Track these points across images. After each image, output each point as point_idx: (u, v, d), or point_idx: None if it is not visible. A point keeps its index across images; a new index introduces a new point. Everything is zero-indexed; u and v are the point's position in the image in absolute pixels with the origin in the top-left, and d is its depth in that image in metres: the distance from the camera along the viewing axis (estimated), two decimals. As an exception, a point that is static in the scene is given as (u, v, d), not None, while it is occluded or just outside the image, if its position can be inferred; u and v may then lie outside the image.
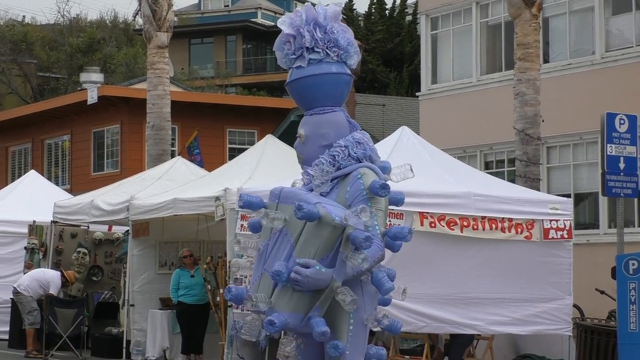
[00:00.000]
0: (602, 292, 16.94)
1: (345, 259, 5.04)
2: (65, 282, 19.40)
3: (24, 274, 20.16)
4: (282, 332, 5.28)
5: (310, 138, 5.59)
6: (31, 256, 21.31)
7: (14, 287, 19.18)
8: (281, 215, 4.97)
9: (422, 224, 13.94)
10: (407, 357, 15.00)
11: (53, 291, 18.81)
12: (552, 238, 15.48)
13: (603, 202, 20.07)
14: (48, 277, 19.24)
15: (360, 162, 5.59)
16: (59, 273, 19.38)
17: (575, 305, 16.43)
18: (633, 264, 12.26)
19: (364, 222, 5.10)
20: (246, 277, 16.30)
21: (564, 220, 15.62)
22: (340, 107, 5.79)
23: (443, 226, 14.59)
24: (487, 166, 23.08)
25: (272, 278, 4.87)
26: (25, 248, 21.61)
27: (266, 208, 5.20)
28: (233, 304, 16.32)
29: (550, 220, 15.52)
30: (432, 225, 14.35)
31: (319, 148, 5.58)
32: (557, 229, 15.52)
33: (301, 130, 5.62)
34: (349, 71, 5.80)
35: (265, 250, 5.02)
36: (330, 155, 5.53)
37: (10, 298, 20.47)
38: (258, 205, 5.20)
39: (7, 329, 21.03)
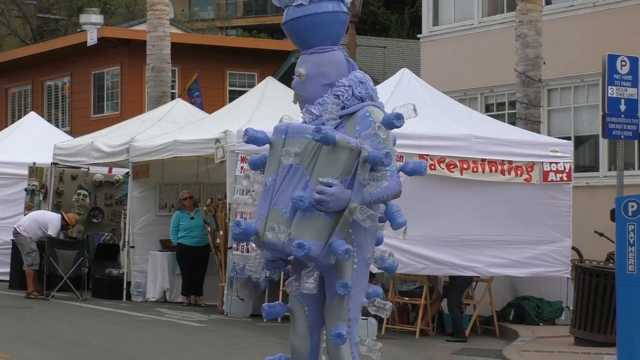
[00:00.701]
0: (601, 235, 16.95)
1: (363, 181, 5.01)
2: (65, 225, 19.42)
3: (24, 215, 20.18)
4: (283, 272, 5.27)
5: (311, 77, 5.53)
6: (31, 198, 21.34)
7: (14, 228, 19.21)
8: (292, 151, 4.91)
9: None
10: (406, 298, 15.06)
11: (52, 232, 18.82)
12: (552, 181, 15.49)
13: (603, 144, 20.03)
14: (47, 218, 19.26)
15: (363, 101, 5.56)
16: (59, 215, 19.40)
17: (574, 248, 16.47)
18: (632, 206, 12.22)
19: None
20: (247, 213, 16.33)
21: (563, 162, 15.62)
22: (337, 46, 5.75)
23: (443, 168, 14.60)
24: (487, 109, 23.00)
25: (295, 204, 4.81)
26: (25, 190, 21.64)
27: (271, 144, 5.14)
28: (233, 245, 16.41)
29: (550, 163, 15.52)
30: (432, 167, 14.35)
31: (321, 87, 5.53)
32: (557, 172, 15.52)
33: (301, 69, 5.56)
34: (345, 9, 5.73)
35: (272, 186, 4.96)
36: (335, 95, 5.49)
37: (11, 239, 20.51)
38: (263, 140, 5.14)
39: (8, 270, 21.12)
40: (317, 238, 4.84)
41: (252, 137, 5.07)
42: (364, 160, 5.07)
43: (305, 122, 5.33)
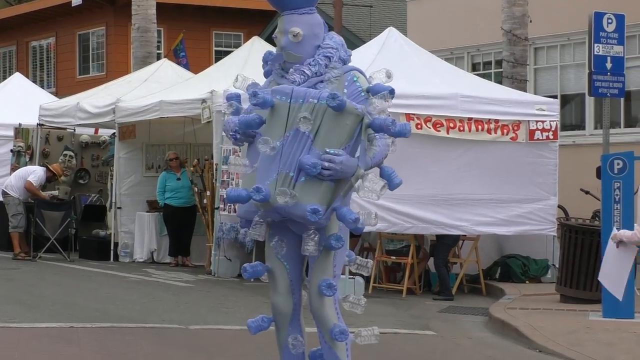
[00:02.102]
0: (587, 193, 17.02)
1: (367, 147, 5.00)
2: (52, 177, 19.38)
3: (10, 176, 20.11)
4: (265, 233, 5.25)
5: (307, 38, 5.46)
6: (17, 159, 21.27)
7: (3, 189, 19.16)
8: (310, 117, 4.87)
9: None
10: (393, 257, 15.11)
11: (32, 179, 18.70)
12: (538, 139, 15.50)
13: (589, 103, 20.03)
14: (30, 169, 19.24)
15: (345, 64, 5.54)
16: (43, 168, 19.36)
17: (560, 206, 16.53)
18: (618, 164, 12.26)
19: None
20: (233, 179, 16.33)
21: (550, 121, 15.63)
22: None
23: (429, 128, 14.60)
24: (474, 67, 22.96)
25: (308, 171, 4.78)
26: (11, 151, 21.57)
27: (273, 106, 5.06)
28: (221, 205, 16.43)
29: (537, 122, 15.53)
30: (419, 126, 14.35)
31: (313, 48, 5.47)
32: (543, 130, 15.53)
33: (296, 29, 5.45)
34: None
35: (280, 150, 4.90)
36: (325, 56, 5.44)
37: (-1, 200, 20.48)
38: (271, 103, 5.05)
39: (-5, 231, 21.10)
40: (321, 202, 4.84)
41: (262, 100, 4.93)
42: (366, 126, 5.06)
43: (297, 83, 5.26)
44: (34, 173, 19.00)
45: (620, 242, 8.76)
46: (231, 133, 5.01)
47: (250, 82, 5.39)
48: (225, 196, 16.53)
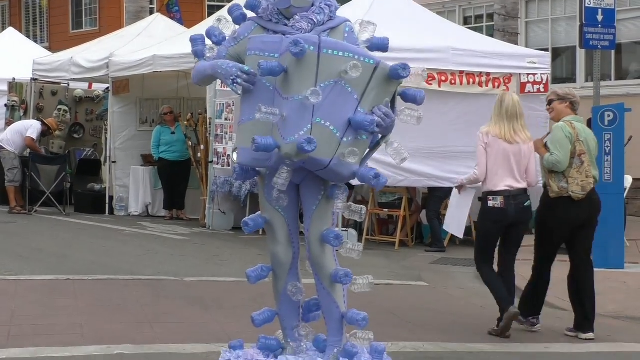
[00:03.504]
0: (578, 145, 17.03)
1: (399, 113, 4.99)
2: (47, 131, 19.35)
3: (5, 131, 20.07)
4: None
5: None
6: (12, 113, 21.23)
7: (-2, 144, 19.12)
8: (359, 65, 4.80)
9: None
10: (386, 210, 15.16)
11: (31, 134, 18.72)
12: (529, 92, 15.50)
13: (580, 55, 20.02)
14: (27, 124, 19.22)
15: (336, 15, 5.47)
16: (39, 122, 19.34)
17: (551, 158, 16.54)
18: (609, 116, 12.30)
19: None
20: (227, 133, 16.32)
21: (541, 74, 15.62)
22: None
23: (423, 81, 14.56)
24: (466, 21, 22.89)
25: (366, 128, 4.72)
26: (5, 105, 21.52)
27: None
28: (214, 159, 16.43)
29: (528, 74, 15.53)
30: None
31: None
32: (534, 83, 15.54)
33: None
34: None
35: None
36: (326, 5, 5.33)
37: (-7, 156, 20.46)
38: (305, 52, 4.89)
39: (-10, 186, 21.10)
40: (359, 161, 4.83)
41: (302, 50, 4.76)
42: (398, 94, 5.04)
43: (304, 31, 5.16)
44: (32, 127, 18.96)
45: (461, 188, 9.10)
46: (231, 79, 4.93)
47: (230, 25, 5.28)
48: (224, 149, 16.56)
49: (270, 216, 5.04)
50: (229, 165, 16.14)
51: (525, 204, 8.80)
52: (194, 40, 5.36)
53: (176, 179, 18.22)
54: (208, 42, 5.42)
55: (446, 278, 12.17)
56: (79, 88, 21.85)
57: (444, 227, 9.96)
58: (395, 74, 4.84)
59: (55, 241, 14.52)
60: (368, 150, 4.99)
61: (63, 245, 14.01)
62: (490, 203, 8.67)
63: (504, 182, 8.68)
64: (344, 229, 14.21)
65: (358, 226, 14.99)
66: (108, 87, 19.65)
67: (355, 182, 5.47)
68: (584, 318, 8.70)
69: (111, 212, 19.01)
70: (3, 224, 16.80)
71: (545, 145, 8.83)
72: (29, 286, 10.43)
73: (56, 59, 21.07)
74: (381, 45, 5.19)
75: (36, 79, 21.06)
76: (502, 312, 8.52)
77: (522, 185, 8.76)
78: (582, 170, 8.59)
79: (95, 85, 21.79)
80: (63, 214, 18.59)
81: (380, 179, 4.85)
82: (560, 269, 12.25)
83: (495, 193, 8.65)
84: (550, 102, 9.08)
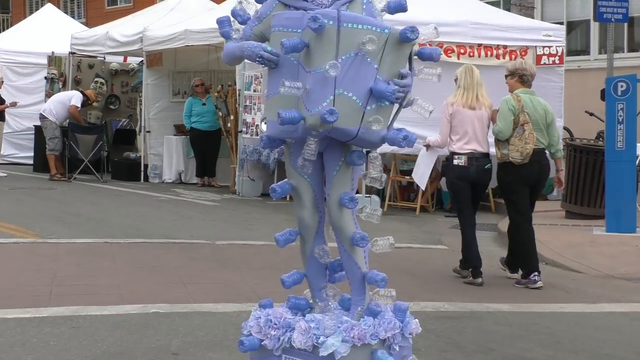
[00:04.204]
0: (591, 114, 16.92)
1: (418, 73, 4.95)
2: (86, 101, 19.43)
3: (45, 102, 20.15)
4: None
5: None
6: (51, 85, 21.31)
7: (40, 113, 19.17)
8: (375, 38, 4.77)
9: (419, 45, 13.83)
10: (407, 177, 15.12)
11: (75, 102, 18.81)
12: (545, 64, 15.41)
13: (594, 28, 19.84)
14: (69, 94, 19.31)
15: None
16: (78, 92, 19.41)
17: (565, 127, 16.47)
18: (622, 86, 12.21)
19: None
20: (255, 104, 16.31)
21: (556, 46, 15.52)
22: None
23: (441, 54, 14.49)
24: (484, -4, 22.71)
25: (388, 97, 4.69)
26: (45, 78, 21.60)
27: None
28: (244, 129, 16.43)
29: (543, 47, 15.43)
30: (430, 45, 14.23)
31: None
32: (550, 55, 15.44)
33: None
34: None
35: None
36: None
37: (34, 125, 20.56)
38: (324, 27, 4.88)
39: (32, 154, 21.22)
40: (385, 126, 4.82)
41: (322, 25, 4.75)
42: (414, 54, 5.01)
43: (325, 6, 5.11)
44: (75, 97, 19.02)
45: (428, 146, 10.03)
46: (258, 59, 4.92)
47: (253, 6, 5.26)
48: (255, 120, 16.56)
49: (296, 183, 5.03)
50: (257, 135, 16.14)
51: (486, 167, 9.34)
52: (220, 22, 5.34)
53: (207, 148, 18.26)
54: (235, 23, 5.39)
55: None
56: (115, 61, 21.88)
57: (412, 175, 11.23)
58: (405, 37, 4.81)
59: (93, 207, 14.60)
60: (393, 114, 4.97)
61: (101, 211, 14.08)
62: (455, 161, 9.29)
63: (469, 146, 9.30)
64: (367, 195, 14.20)
65: (381, 193, 14.99)
66: (142, 61, 19.67)
67: (384, 148, 5.42)
68: (514, 262, 9.44)
69: (146, 179, 19.09)
70: (44, 190, 16.90)
71: None
72: (69, 249, 10.50)
73: (93, 33, 21.10)
74: (399, 6, 5.13)
75: (74, 53, 21.11)
76: (461, 262, 9.43)
77: (485, 149, 9.29)
78: (523, 137, 9.00)
79: (130, 59, 21.81)
80: (100, 181, 18.67)
81: (409, 139, 4.82)
82: (580, 232, 12.25)
83: (460, 154, 9.28)
84: (505, 77, 9.64)
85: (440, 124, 9.49)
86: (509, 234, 9.64)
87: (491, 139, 9.33)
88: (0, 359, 5.99)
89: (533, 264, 9.18)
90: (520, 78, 9.42)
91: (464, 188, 9.29)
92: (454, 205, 9.78)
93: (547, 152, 9.36)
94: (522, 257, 9.30)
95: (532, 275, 9.11)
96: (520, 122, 9.05)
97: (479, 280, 9.15)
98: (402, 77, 4.85)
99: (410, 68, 4.95)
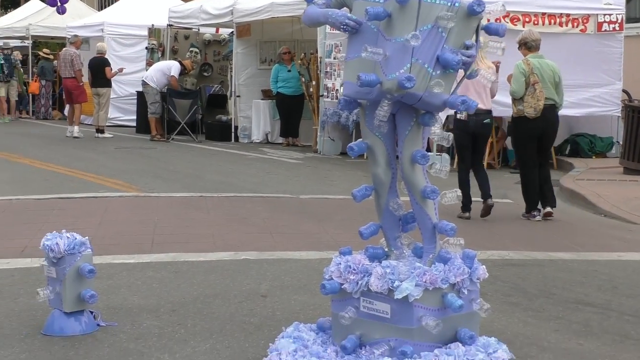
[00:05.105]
0: (649, 78, 16.59)
1: (484, 46, 4.91)
2: (183, 70, 19.62)
3: (146, 70, 20.36)
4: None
5: None
6: (151, 55, 21.51)
7: (142, 80, 19.43)
8: (454, 16, 4.74)
9: (487, 21, 13.64)
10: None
11: (174, 73, 19.04)
12: (605, 31, 15.10)
13: (653, -3, 19.36)
14: (169, 64, 19.51)
15: None
16: (176, 62, 19.61)
17: (624, 90, 16.13)
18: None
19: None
20: (335, 70, 16.28)
21: (616, 14, 15.17)
22: None
23: (507, 22, 14.27)
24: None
25: (453, 66, 4.66)
26: (146, 48, 21.80)
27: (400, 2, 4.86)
28: (324, 93, 16.43)
29: (604, 15, 15.10)
30: (498, 21, 14.02)
31: None
32: (610, 22, 15.12)
33: None
34: None
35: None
36: None
37: (136, 91, 20.81)
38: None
39: (134, 117, 21.49)
40: (447, 91, 4.79)
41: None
42: (481, 28, 4.95)
43: None
44: (174, 67, 19.22)
45: None
46: (342, 26, 4.90)
47: None
48: (334, 84, 16.54)
49: (371, 142, 5.01)
50: (337, 99, 16.13)
51: (485, 121, 9.92)
52: None
53: (291, 111, 18.30)
54: None
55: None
56: (208, 32, 21.99)
57: None
58: (472, 10, 4.75)
59: (189, 164, 14.76)
60: (456, 82, 4.92)
61: (196, 168, 14.23)
62: (458, 115, 9.92)
63: None
64: (438, 153, 14.11)
65: (450, 151, 14.87)
66: (232, 32, 19.74)
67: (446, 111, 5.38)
68: (545, 200, 9.97)
69: (236, 139, 19.22)
70: (145, 150, 17.14)
71: None
72: (168, 202, 10.65)
73: (188, 7, 21.22)
74: (470, 11, 5.05)
75: (171, 25, 21.27)
76: (462, 206, 9.88)
77: (486, 107, 9.79)
78: (535, 95, 9.77)
79: (221, 30, 21.91)
80: (195, 141, 18.86)
81: (468, 103, 4.78)
82: (637, 187, 12.03)
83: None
84: (518, 49, 10.27)
85: None
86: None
87: (509, 100, 10.22)
88: (109, 299, 6.12)
89: (533, 204, 9.96)
90: (526, 45, 10.13)
91: (463, 138, 9.91)
92: (458, 154, 10.32)
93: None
94: (526, 197, 10.07)
95: (533, 211, 9.94)
96: (531, 82, 9.79)
97: (467, 214, 9.88)
98: (467, 48, 4.80)
99: (477, 40, 4.89)
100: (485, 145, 10.62)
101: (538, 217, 9.88)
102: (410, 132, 4.91)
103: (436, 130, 5.03)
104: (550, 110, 9.88)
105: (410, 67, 4.63)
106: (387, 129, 4.94)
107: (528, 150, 9.98)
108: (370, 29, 4.81)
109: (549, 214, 9.90)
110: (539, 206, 10.00)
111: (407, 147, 4.90)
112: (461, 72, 4.92)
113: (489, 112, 9.98)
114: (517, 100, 9.88)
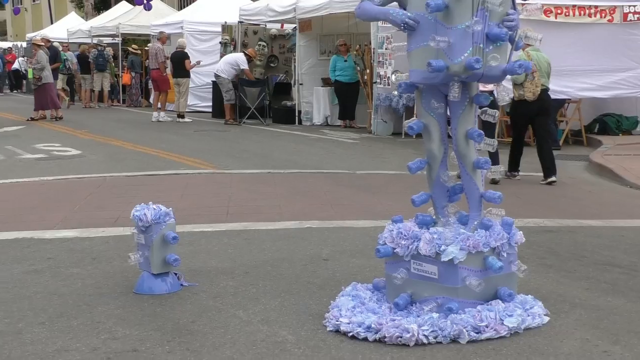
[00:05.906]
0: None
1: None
2: (249, 59, 19.70)
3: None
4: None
5: None
6: (224, 49, 21.59)
7: (215, 72, 19.55)
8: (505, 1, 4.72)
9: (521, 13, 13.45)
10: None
11: (243, 65, 19.15)
12: (631, 20, 14.79)
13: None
14: (235, 57, 19.58)
15: None
16: (241, 53, 19.68)
17: (648, 74, 15.81)
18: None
19: None
20: (386, 60, 16.17)
21: (640, 5, 14.85)
22: None
23: (541, 14, 14.05)
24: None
25: (502, 38, 4.64)
26: (220, 42, 21.89)
27: None
28: (377, 80, 16.32)
29: (629, 6, 14.79)
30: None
31: None
32: (635, 13, 14.81)
33: None
34: None
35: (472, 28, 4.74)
36: None
37: (212, 81, 20.92)
38: None
39: (210, 104, 21.63)
40: (503, 61, 4.75)
41: None
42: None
43: None
44: (241, 60, 19.36)
45: None
46: (402, 25, 4.85)
47: None
48: (386, 73, 16.45)
49: (427, 121, 4.99)
50: (388, 85, 16.06)
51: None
52: None
53: (348, 96, 18.26)
54: None
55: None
56: (274, 28, 21.99)
57: None
58: None
59: (258, 145, 14.82)
60: (510, 50, 4.86)
61: (264, 148, 14.29)
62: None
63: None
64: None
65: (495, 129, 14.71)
66: (295, 27, 19.71)
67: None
68: (545, 168, 10.47)
69: (299, 122, 19.24)
70: (220, 132, 17.25)
71: None
72: (240, 178, 10.71)
73: (256, 5, 21.25)
74: None
75: (242, 22, 21.32)
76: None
77: (487, 88, 9.58)
78: (534, 82, 10.27)
79: (285, 25, 21.87)
80: (264, 124, 18.93)
81: (524, 65, 4.73)
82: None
83: None
84: None
85: None
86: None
87: (510, 85, 10.51)
88: (191, 263, 6.19)
89: (513, 166, 10.70)
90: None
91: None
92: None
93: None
94: (510, 160, 10.69)
95: (513, 172, 10.68)
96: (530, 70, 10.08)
97: (514, 173, 10.65)
98: (508, 16, 4.75)
99: (514, 7, 4.83)
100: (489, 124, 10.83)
101: (518, 176, 10.62)
102: (464, 112, 4.89)
103: (487, 109, 5.01)
104: (544, 93, 10.41)
105: (472, 50, 4.60)
106: (441, 109, 4.95)
107: (522, 127, 10.74)
108: (428, 20, 4.75)
109: (553, 182, 10.36)
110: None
111: (462, 124, 4.88)
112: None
113: (491, 92, 9.67)
114: (517, 85, 10.33)
